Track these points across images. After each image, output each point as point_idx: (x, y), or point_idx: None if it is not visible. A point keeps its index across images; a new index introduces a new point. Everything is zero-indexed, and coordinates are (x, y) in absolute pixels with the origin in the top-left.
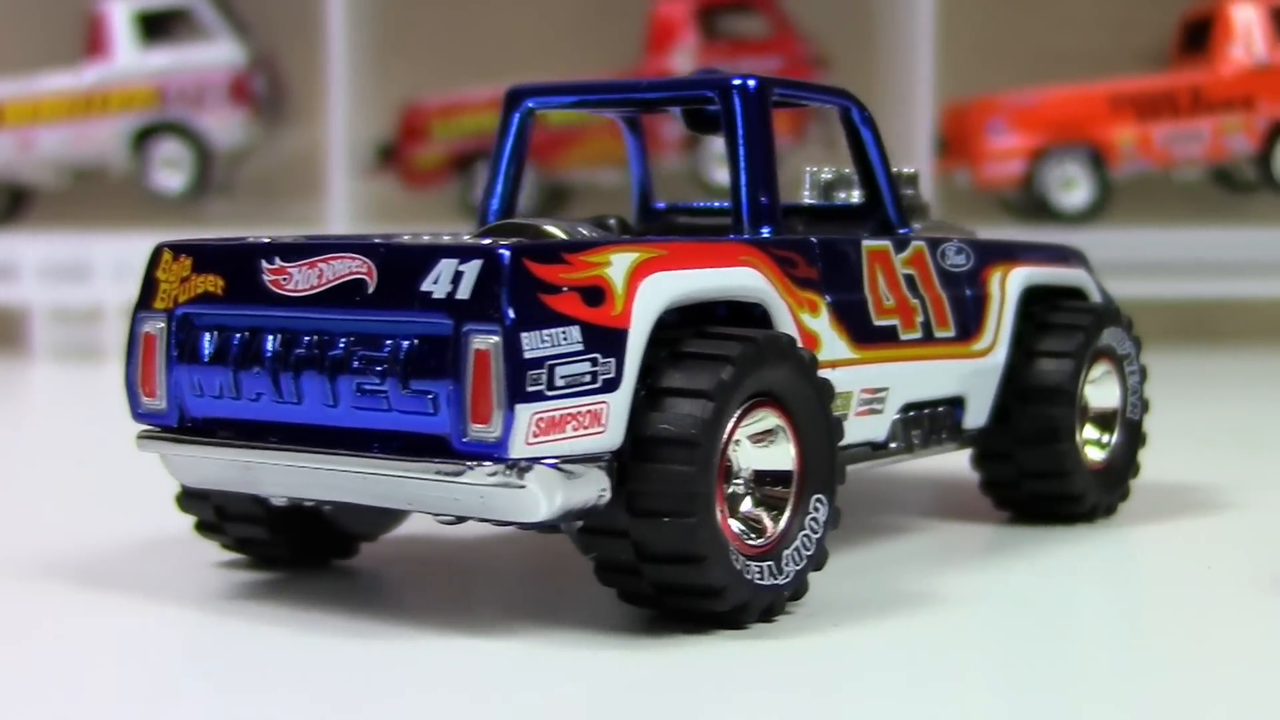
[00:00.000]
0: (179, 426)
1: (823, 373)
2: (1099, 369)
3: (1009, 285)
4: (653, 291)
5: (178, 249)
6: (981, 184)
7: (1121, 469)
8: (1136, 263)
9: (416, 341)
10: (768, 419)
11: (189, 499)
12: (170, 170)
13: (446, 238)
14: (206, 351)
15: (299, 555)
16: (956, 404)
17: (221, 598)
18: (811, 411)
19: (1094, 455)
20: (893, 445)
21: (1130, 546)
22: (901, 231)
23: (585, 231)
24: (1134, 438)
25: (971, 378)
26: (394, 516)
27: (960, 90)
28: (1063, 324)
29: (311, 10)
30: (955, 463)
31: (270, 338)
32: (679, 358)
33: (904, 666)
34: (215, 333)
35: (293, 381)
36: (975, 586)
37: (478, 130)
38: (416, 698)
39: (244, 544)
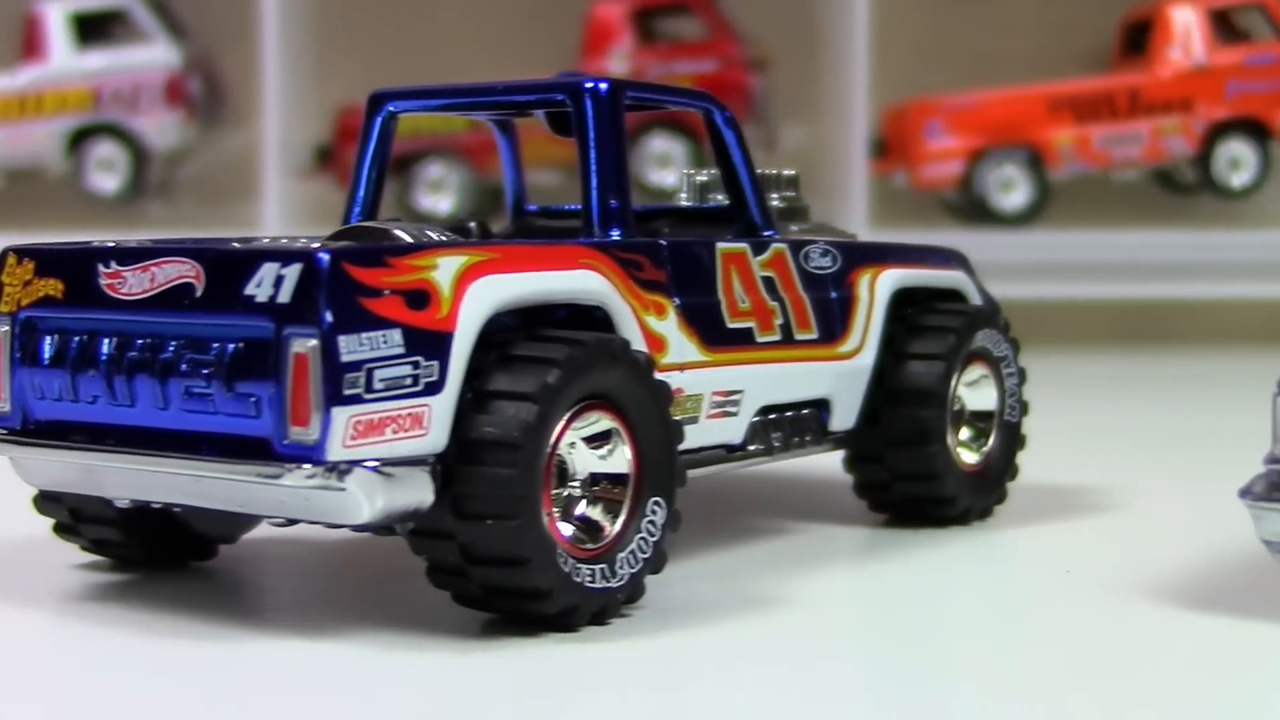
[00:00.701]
0: (23, 429)
1: (671, 375)
2: (975, 371)
3: (878, 287)
4: (480, 295)
5: (21, 253)
6: (919, 185)
7: (998, 472)
8: (1075, 264)
9: (240, 345)
10: (601, 422)
11: (45, 501)
12: (106, 172)
13: (298, 241)
14: (47, 354)
15: (155, 557)
16: (822, 406)
17: (76, 600)
18: (647, 414)
19: (969, 458)
20: (752, 448)
21: (996, 549)
22: (766, 234)
23: (434, 235)
24: (1012, 440)
25: (837, 380)
26: (247, 519)
27: (903, 92)
28: (934, 326)
29: (249, 13)
30: (839, 465)
31: (106, 341)
32: (507, 361)
33: (744, 668)
34: (55, 336)
35: (126, 384)
36: (833, 588)
37: (414, 131)
38: (255, 699)
39: (100, 546)
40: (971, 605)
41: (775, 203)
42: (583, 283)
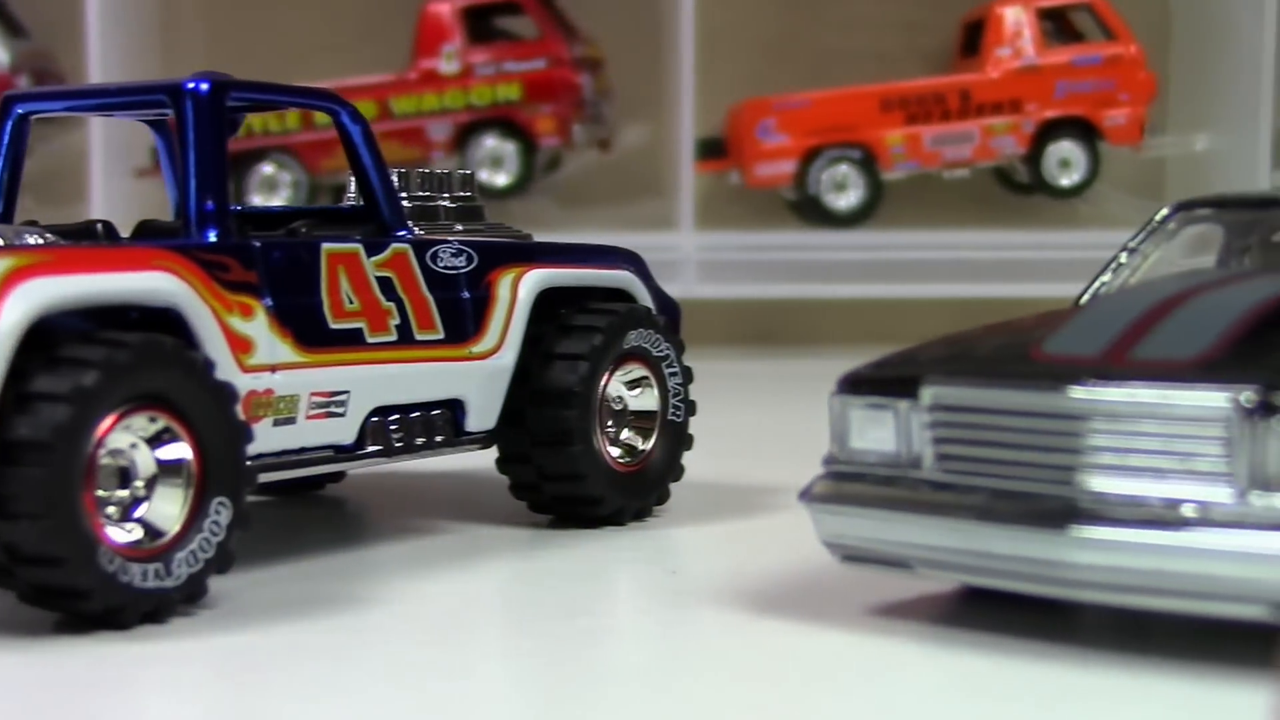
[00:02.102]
0: None
1: (260, 376)
2: (632, 372)
3: (521, 287)
4: (24, 297)
5: None
6: (752, 184)
7: (660, 472)
8: (908, 263)
9: None
10: (158, 422)
11: None
12: None
13: None
14: None
15: None
16: (456, 406)
17: None
18: (208, 415)
19: (625, 458)
20: (370, 448)
21: (627, 550)
22: (399, 233)
23: (31, 239)
24: (676, 440)
25: (471, 380)
26: None
27: (751, 92)
28: (581, 326)
29: (84, 11)
30: None
31: None
32: (52, 363)
33: (288, 666)
34: None
35: None
36: (432, 589)
37: (247, 131)
38: None
39: None
40: (537, 606)
41: (447, 203)
42: (148, 284)
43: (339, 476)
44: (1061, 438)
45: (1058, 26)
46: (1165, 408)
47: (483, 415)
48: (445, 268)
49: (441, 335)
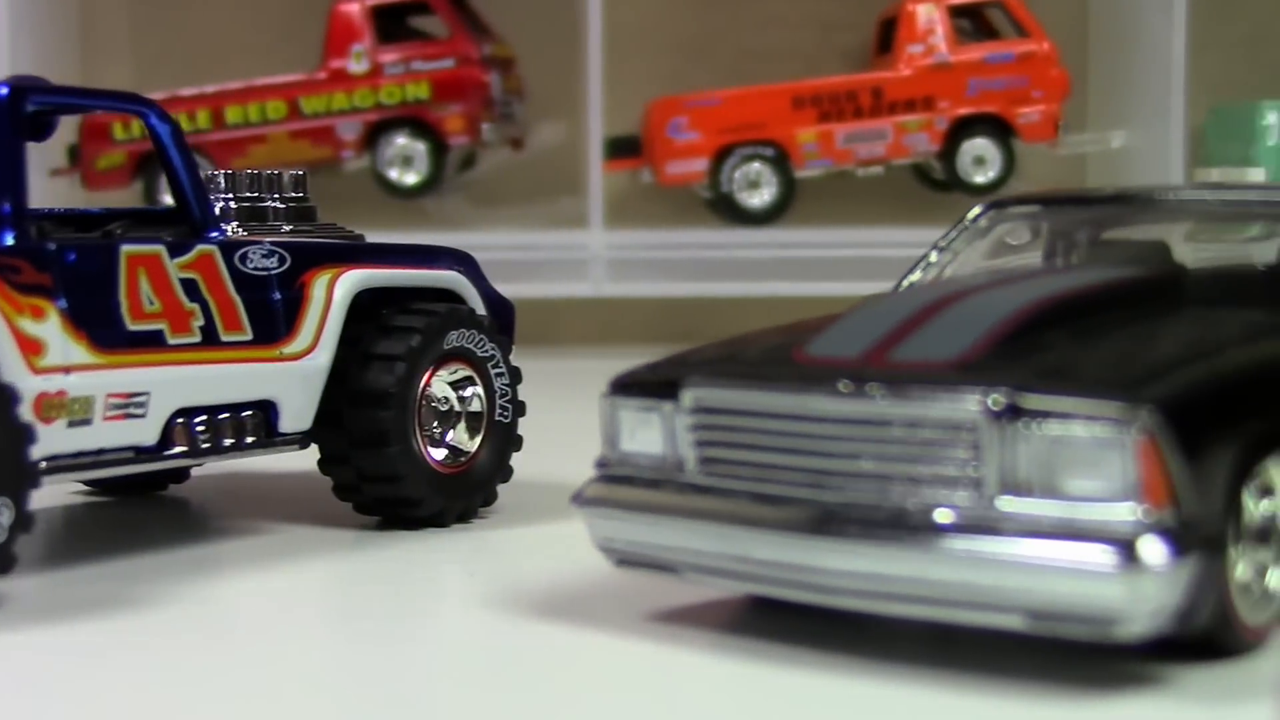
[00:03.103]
0: None
1: (53, 378)
2: (456, 372)
3: (337, 288)
4: None
5: None
6: (664, 182)
7: (486, 473)
8: (821, 261)
9: None
10: None
11: None
12: None
13: None
14: None
15: None
16: (268, 407)
17: None
18: None
19: (450, 459)
20: (175, 449)
21: (436, 553)
22: (209, 234)
23: None
24: (504, 441)
25: (282, 381)
26: None
27: (668, 91)
28: (400, 327)
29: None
30: None
31: None
32: None
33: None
34: None
35: None
36: (222, 590)
37: None
38: None
39: None
40: (325, 609)
41: (276, 204)
42: None
43: (183, 476)
44: (814, 441)
45: (976, 25)
46: (914, 411)
47: (297, 416)
48: (255, 269)
49: (250, 336)
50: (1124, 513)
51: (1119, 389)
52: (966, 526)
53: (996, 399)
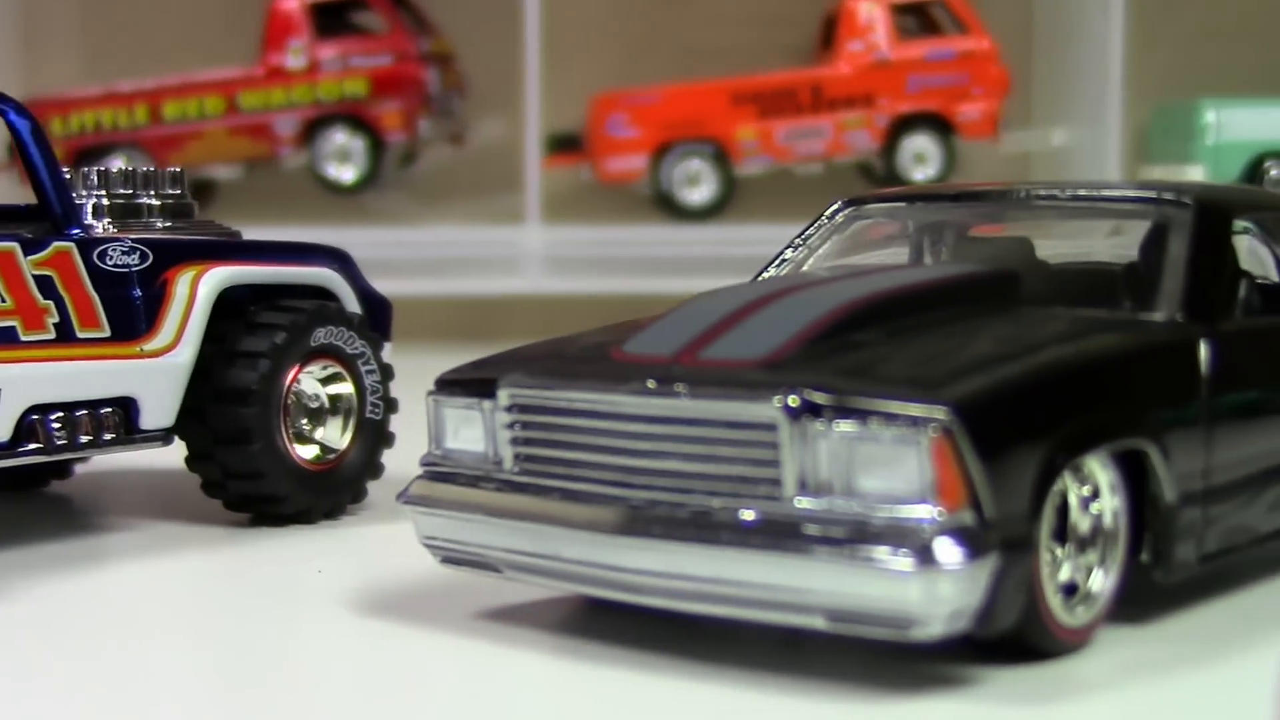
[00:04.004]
0: None
1: None
2: (325, 369)
3: (201, 285)
4: None
5: None
6: (603, 179)
7: (356, 470)
8: (759, 258)
9: None
10: None
11: None
12: None
13: None
14: None
15: None
16: (128, 404)
17: None
18: None
19: (313, 455)
20: (29, 446)
21: (292, 550)
22: (72, 230)
23: None
24: (374, 438)
25: (142, 377)
26: None
27: (611, 87)
28: (264, 324)
29: None
30: None
31: None
32: None
33: None
34: None
35: None
36: (58, 589)
37: (96, 126)
38: None
39: None
40: (161, 606)
41: (151, 200)
42: None
43: (66, 472)
44: (622, 439)
45: (920, 22)
46: (715, 410)
47: (158, 413)
48: (115, 266)
49: (108, 333)
50: (920, 513)
51: (917, 389)
52: (767, 527)
53: (794, 398)
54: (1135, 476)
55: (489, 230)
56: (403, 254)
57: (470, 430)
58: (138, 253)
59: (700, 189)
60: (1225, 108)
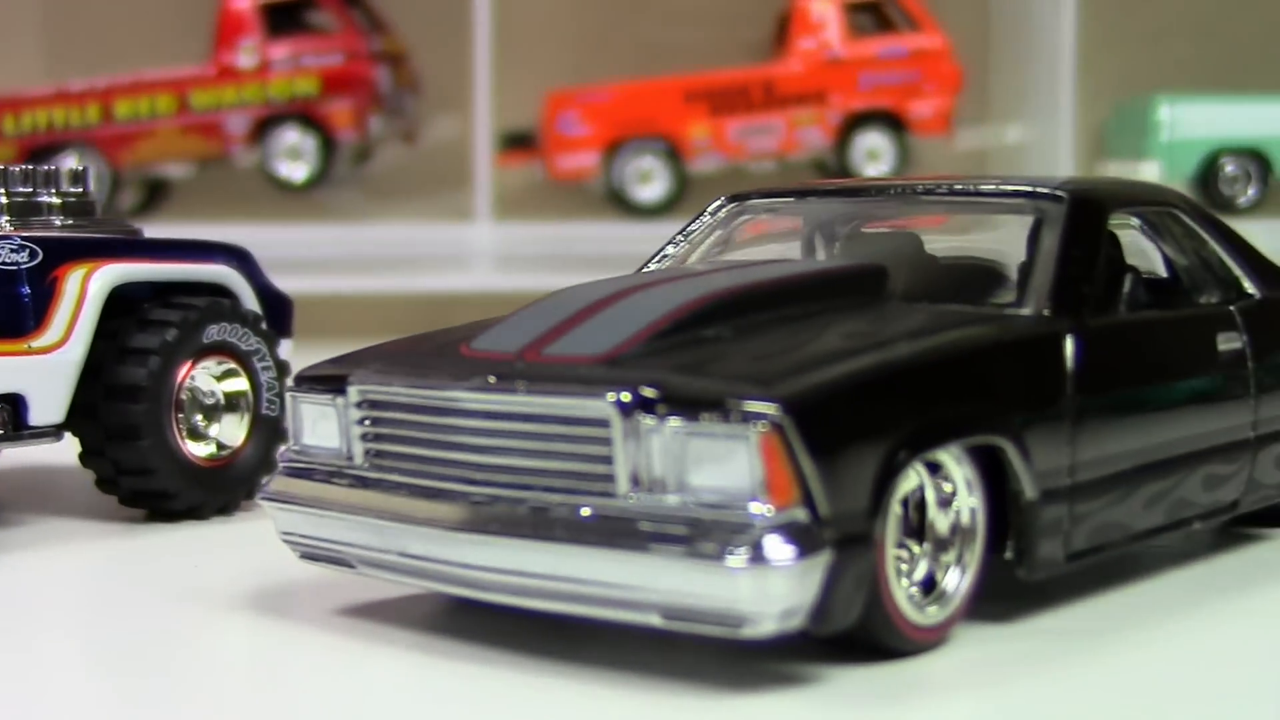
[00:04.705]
0: None
1: None
2: (219, 365)
3: (92, 282)
4: None
5: None
6: (555, 176)
7: (251, 466)
8: None
9: None
10: None
11: None
12: None
13: None
14: None
15: None
16: (15, 400)
17: None
18: None
19: (207, 452)
20: None
21: (176, 546)
22: None
23: None
24: (270, 435)
25: (31, 374)
26: None
27: (569, 85)
28: (156, 321)
29: None
30: None
31: None
32: None
33: None
34: None
35: None
36: None
37: (49, 125)
38: None
39: None
40: (32, 600)
41: (52, 199)
42: None
43: None
44: (464, 436)
45: (874, 19)
46: (552, 407)
47: (47, 409)
48: (3, 263)
49: None
50: (750, 511)
51: (748, 385)
52: (601, 523)
53: (625, 394)
54: (997, 474)
55: (440, 228)
56: (355, 251)
57: (326, 426)
58: (27, 250)
59: (652, 186)
60: (1180, 104)
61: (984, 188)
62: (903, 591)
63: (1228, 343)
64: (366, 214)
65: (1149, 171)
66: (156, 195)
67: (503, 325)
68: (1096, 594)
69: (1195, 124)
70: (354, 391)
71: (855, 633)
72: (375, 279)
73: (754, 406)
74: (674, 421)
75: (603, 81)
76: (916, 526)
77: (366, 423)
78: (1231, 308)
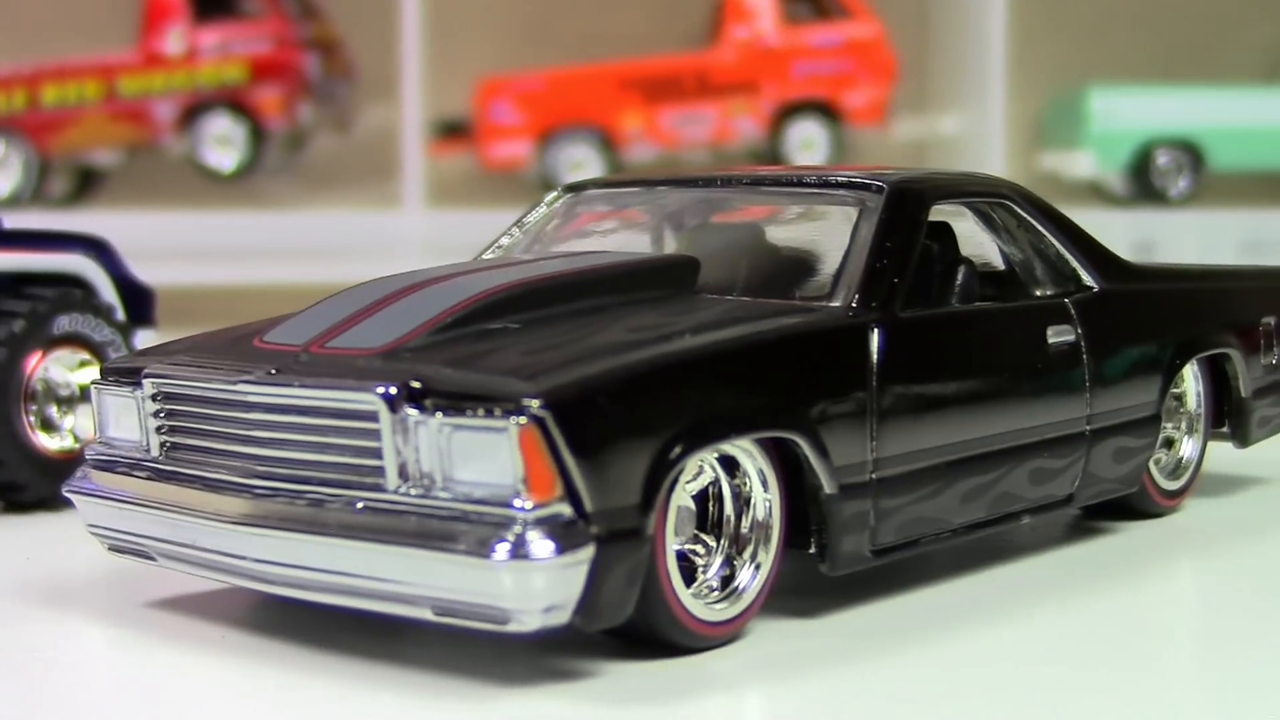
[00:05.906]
0: None
1: None
2: (74, 356)
3: None
4: None
5: None
6: (487, 165)
7: None
8: None
9: None
10: None
11: None
12: None
13: None
14: None
15: None
16: None
17: None
18: None
19: (61, 444)
20: None
21: (26, 538)
22: None
23: None
24: None
25: None
26: None
27: (504, 73)
28: (3, 311)
29: None
30: None
31: None
32: None
33: None
34: None
35: None
36: None
37: None
38: None
39: None
40: None
41: None
42: None
43: None
44: (246, 429)
45: (811, 7)
46: (323, 399)
47: None
48: None
49: None
50: (512, 506)
51: (512, 379)
52: (372, 518)
53: (392, 388)
54: (797, 469)
55: (370, 216)
56: (286, 240)
57: (128, 419)
58: None
59: (585, 175)
60: (1112, 95)
61: (811, 179)
62: (685, 588)
63: (1060, 335)
64: (297, 202)
65: (1082, 162)
66: (88, 183)
67: (300, 317)
68: (909, 592)
69: (1128, 115)
70: (148, 384)
71: (638, 628)
72: (306, 267)
73: (515, 401)
74: (439, 415)
75: (537, 69)
76: (716, 521)
77: (161, 415)
78: (1066, 300)
